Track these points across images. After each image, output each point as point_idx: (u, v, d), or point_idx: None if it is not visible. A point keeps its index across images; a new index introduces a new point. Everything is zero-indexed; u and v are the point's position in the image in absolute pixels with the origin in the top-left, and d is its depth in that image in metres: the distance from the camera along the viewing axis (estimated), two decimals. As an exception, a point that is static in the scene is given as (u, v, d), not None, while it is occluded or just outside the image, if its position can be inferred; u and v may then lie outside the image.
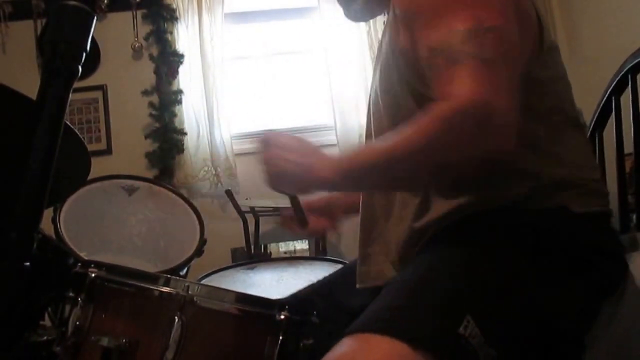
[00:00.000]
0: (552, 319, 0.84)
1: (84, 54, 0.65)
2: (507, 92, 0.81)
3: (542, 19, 0.96)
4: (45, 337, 1.24)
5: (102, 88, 3.53)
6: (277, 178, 0.95)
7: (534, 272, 0.86)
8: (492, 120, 0.79)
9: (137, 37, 3.55)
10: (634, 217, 1.38)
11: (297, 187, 0.99)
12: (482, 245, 0.88)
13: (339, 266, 1.74)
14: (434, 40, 0.85)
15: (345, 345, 0.76)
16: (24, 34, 3.47)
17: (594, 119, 1.38)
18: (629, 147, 1.29)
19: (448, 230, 0.94)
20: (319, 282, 1.24)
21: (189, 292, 0.91)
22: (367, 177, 0.92)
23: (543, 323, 0.83)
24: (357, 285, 1.09)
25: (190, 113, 3.50)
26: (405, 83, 0.96)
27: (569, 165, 0.95)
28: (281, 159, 0.94)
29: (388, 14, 1.10)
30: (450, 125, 0.81)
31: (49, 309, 1.55)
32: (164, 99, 3.48)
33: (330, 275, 1.26)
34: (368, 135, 1.11)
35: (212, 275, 1.93)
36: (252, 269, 2.03)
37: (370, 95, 1.13)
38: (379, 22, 3.35)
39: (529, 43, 0.93)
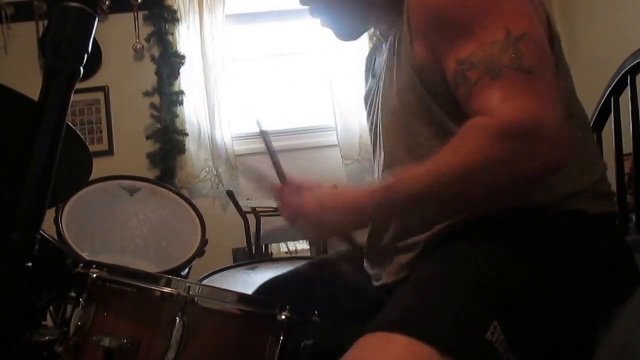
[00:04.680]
0: (570, 326, 0.83)
1: (86, 55, 0.65)
2: (552, 101, 0.79)
3: (547, 11, 0.93)
4: (46, 337, 1.24)
5: (103, 89, 3.53)
6: (315, 232, 0.97)
7: (557, 279, 0.84)
8: (543, 135, 0.77)
9: (138, 38, 3.56)
10: (633, 217, 1.38)
11: (339, 231, 1.00)
12: (505, 248, 0.85)
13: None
14: (463, 52, 0.83)
15: (368, 343, 0.73)
16: (25, 35, 3.47)
17: (593, 119, 1.38)
18: (627, 147, 1.29)
19: (467, 229, 0.90)
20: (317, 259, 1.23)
21: (190, 292, 0.92)
22: (414, 202, 0.87)
23: (560, 329, 0.81)
24: (375, 284, 1.05)
25: (192, 114, 3.50)
26: (427, 104, 0.92)
27: (584, 168, 0.92)
28: (307, 212, 0.93)
29: (384, 37, 1.08)
30: (505, 142, 0.77)
31: (51, 309, 1.55)
32: (165, 100, 3.49)
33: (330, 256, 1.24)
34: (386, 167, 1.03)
35: (213, 276, 1.93)
36: (253, 269, 2.03)
37: (372, 122, 1.10)
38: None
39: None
